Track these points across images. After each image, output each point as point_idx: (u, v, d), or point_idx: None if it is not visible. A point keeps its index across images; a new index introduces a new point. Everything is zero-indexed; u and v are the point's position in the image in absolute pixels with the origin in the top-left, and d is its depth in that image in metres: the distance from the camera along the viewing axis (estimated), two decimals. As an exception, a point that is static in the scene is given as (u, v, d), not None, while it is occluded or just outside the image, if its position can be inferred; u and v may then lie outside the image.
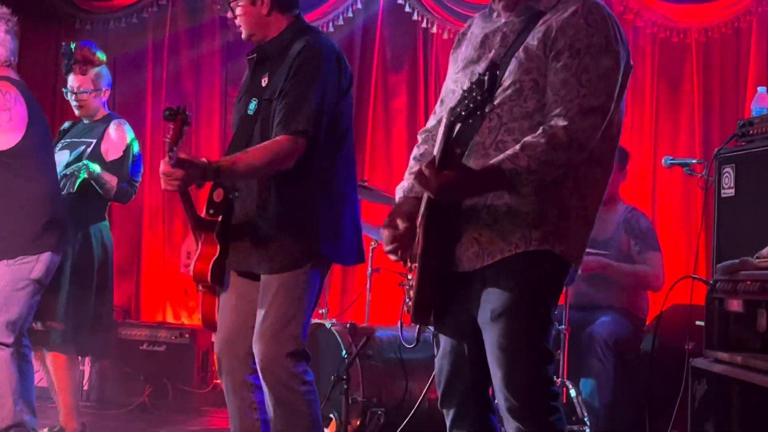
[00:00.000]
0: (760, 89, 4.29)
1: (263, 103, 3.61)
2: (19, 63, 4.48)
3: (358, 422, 4.64)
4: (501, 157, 2.66)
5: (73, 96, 5.15)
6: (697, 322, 3.55)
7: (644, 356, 4.86)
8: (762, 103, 4.14)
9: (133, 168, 5.16)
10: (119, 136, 5.07)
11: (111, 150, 5.04)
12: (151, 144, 7.27)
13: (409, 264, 2.88)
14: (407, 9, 6.74)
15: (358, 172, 6.52)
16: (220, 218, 3.58)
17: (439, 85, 3.05)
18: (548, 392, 2.78)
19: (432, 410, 3.23)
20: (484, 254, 2.76)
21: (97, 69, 5.15)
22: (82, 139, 5.01)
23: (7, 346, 4.20)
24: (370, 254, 5.28)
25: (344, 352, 4.70)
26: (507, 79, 2.79)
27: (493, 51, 2.88)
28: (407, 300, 2.88)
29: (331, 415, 4.61)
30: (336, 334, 4.79)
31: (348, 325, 4.86)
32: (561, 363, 4.63)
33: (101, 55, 5.21)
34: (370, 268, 5.31)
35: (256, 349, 3.59)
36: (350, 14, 6.85)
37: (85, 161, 4.87)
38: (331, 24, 6.77)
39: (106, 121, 5.13)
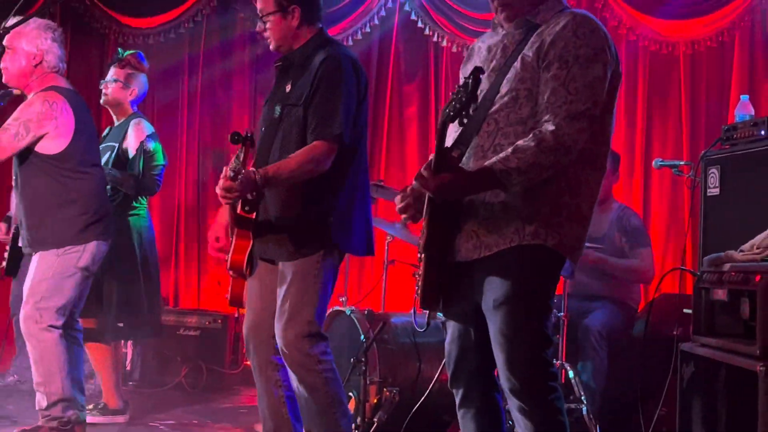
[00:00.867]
0: (743, 97, 4.27)
1: (287, 108, 3.62)
2: (67, 73, 4.47)
3: (375, 400, 4.64)
4: (493, 159, 2.67)
5: (104, 84, 5.18)
6: (685, 310, 3.54)
7: (636, 341, 4.83)
8: (744, 110, 4.12)
9: (151, 161, 5.15)
10: (136, 135, 5.09)
11: (130, 147, 5.07)
12: (187, 147, 7.29)
13: (418, 255, 2.89)
14: (420, 24, 6.74)
15: (375, 173, 6.57)
16: (254, 215, 3.59)
17: (449, 95, 3.05)
18: (547, 374, 2.77)
19: (443, 390, 3.23)
20: (482, 246, 2.77)
21: (133, 71, 5.17)
22: (109, 144, 5.04)
23: (57, 328, 4.21)
24: (386, 247, 5.28)
25: (362, 336, 4.69)
26: (504, 87, 2.79)
27: (494, 61, 2.88)
28: (417, 289, 2.88)
29: (351, 394, 4.61)
30: (355, 320, 4.79)
31: (366, 312, 4.86)
32: (560, 347, 4.61)
33: (144, 64, 5.24)
34: (386, 260, 5.30)
35: (276, 332, 3.59)
36: (368, 29, 6.85)
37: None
38: (350, 38, 6.77)
39: (129, 120, 5.15)
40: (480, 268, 2.78)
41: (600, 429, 4.47)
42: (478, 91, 2.60)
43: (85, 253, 4.26)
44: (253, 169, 3.45)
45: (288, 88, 3.66)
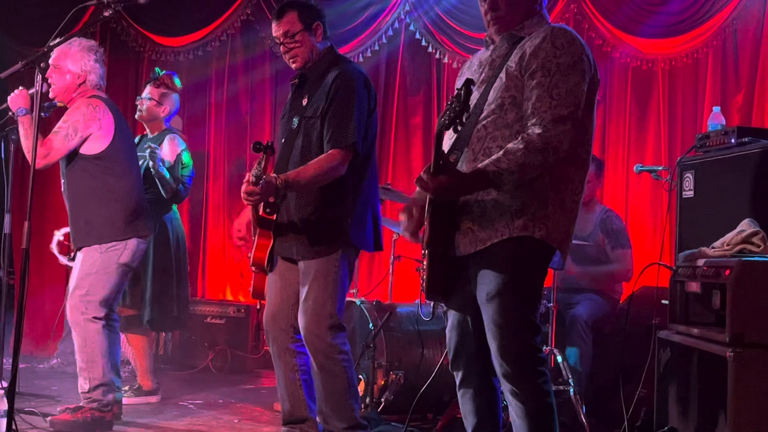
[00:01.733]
0: (715, 108, 4.26)
1: (304, 120, 3.62)
2: (106, 87, 4.49)
3: (382, 382, 4.64)
4: (486, 161, 2.68)
5: (139, 100, 5.19)
6: (663, 301, 3.52)
7: (618, 329, 4.83)
8: (717, 120, 4.11)
9: (184, 173, 5.17)
10: (171, 149, 5.10)
11: (167, 159, 5.08)
12: (213, 153, 7.30)
13: (422, 251, 2.90)
14: (423, 43, 6.74)
15: (383, 177, 6.57)
16: (274, 216, 3.59)
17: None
18: (536, 359, 2.77)
19: (443, 373, 3.22)
20: (476, 241, 2.77)
21: (167, 90, 5.18)
22: (142, 154, 5.04)
23: (100, 319, 4.23)
24: (393, 245, 5.28)
25: (371, 324, 4.70)
26: (491, 96, 2.80)
27: (483, 73, 2.89)
28: (422, 282, 2.89)
29: (360, 377, 4.62)
30: (364, 310, 4.79)
31: (374, 302, 4.87)
32: (550, 334, 4.62)
33: (177, 83, 5.25)
34: (393, 256, 5.30)
35: (300, 324, 3.60)
36: (377, 47, 6.85)
37: (152, 150, 4.90)
38: (361, 55, 6.77)
39: (163, 135, 5.16)
40: (475, 262, 2.79)
41: (585, 409, 4.47)
42: (471, 101, 2.62)
43: (126, 250, 4.27)
44: (275, 174, 3.46)
45: (305, 101, 3.66)
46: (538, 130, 2.66)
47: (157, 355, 6.27)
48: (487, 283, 2.75)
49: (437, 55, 6.75)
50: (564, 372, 4.52)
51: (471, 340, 2.93)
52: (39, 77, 3.48)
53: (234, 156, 7.33)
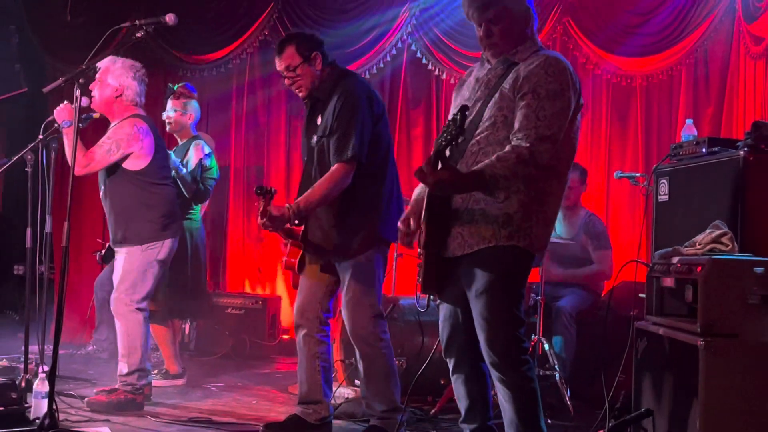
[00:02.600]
0: (688, 121, 4.26)
1: (319, 139, 3.61)
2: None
3: (387, 367, 4.63)
4: (481, 164, 2.68)
5: (165, 115, 5.21)
6: (640, 295, 3.52)
7: (600, 320, 4.82)
8: (689, 131, 4.11)
9: (207, 175, 5.17)
10: (196, 154, 5.14)
11: (191, 163, 5.10)
12: (234, 160, 7.31)
13: (419, 250, 2.91)
14: (424, 61, 6.75)
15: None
16: (303, 227, 3.59)
17: (447, 119, 3.08)
18: (520, 349, 2.78)
19: (441, 359, 3.22)
20: (465, 245, 2.79)
21: (187, 99, 5.21)
22: (174, 160, 5.06)
23: (142, 311, 4.26)
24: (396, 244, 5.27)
25: (376, 315, 4.68)
26: (486, 114, 2.80)
27: (479, 92, 2.89)
28: (419, 277, 2.90)
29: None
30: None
31: (379, 295, 4.86)
32: (537, 324, 4.61)
33: (193, 92, 5.28)
34: (396, 253, 5.31)
35: (344, 316, 3.61)
36: (381, 65, 6.87)
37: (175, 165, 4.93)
38: (367, 72, 6.77)
39: (190, 141, 5.20)
40: (465, 262, 2.80)
41: (570, 392, 4.46)
42: (468, 117, 2.62)
43: (163, 248, 4.32)
44: (288, 205, 3.45)
45: (318, 120, 3.66)
46: (525, 144, 2.67)
47: (183, 343, 6.29)
48: (475, 281, 2.76)
49: (436, 72, 6.75)
50: (551, 359, 4.52)
51: (461, 331, 2.94)
52: (78, 92, 3.50)
53: (253, 163, 7.34)
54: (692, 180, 3.70)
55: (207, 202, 5.47)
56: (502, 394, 2.81)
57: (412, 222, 2.92)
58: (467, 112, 2.60)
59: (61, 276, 3.39)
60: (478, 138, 2.78)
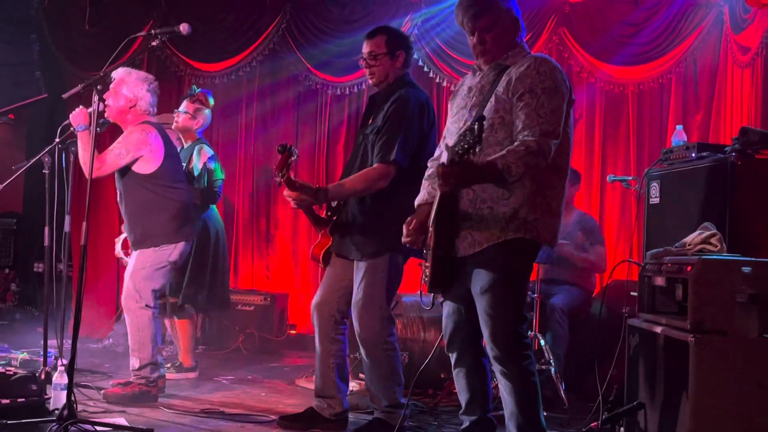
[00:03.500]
0: (678, 127, 4.26)
1: (368, 136, 3.59)
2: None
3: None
4: (494, 156, 2.69)
5: (176, 113, 5.21)
6: (632, 293, 3.52)
7: (594, 318, 4.82)
8: (679, 137, 4.12)
9: (213, 177, 5.16)
10: (200, 158, 5.13)
11: (195, 167, 5.11)
12: (243, 164, 7.31)
13: (424, 252, 2.91)
14: (425, 69, 6.73)
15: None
16: (335, 218, 3.58)
17: (446, 123, 3.05)
18: (522, 344, 2.79)
19: (442, 354, 3.22)
20: (475, 244, 2.80)
21: (201, 106, 5.21)
22: None
23: (151, 308, 4.26)
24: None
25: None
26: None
27: (474, 98, 2.90)
28: (424, 276, 2.91)
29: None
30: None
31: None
32: (533, 321, 4.60)
33: (210, 101, 5.27)
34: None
35: (353, 316, 3.57)
36: (386, 73, 6.85)
37: None
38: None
39: (194, 145, 5.19)
40: (472, 261, 2.81)
41: (564, 385, 4.46)
42: (465, 123, 2.63)
43: (176, 250, 4.32)
44: (318, 185, 3.43)
45: (371, 120, 3.64)
46: (532, 138, 2.69)
47: (196, 337, 6.28)
48: (481, 278, 2.77)
49: (437, 80, 6.74)
50: (546, 354, 4.51)
51: (464, 327, 2.95)
52: (96, 98, 3.51)
53: (261, 167, 7.32)
54: (682, 183, 3.70)
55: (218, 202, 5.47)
56: (503, 387, 2.81)
57: (414, 223, 2.93)
58: (481, 122, 2.55)
59: (80, 273, 3.39)
60: (478, 141, 2.79)
